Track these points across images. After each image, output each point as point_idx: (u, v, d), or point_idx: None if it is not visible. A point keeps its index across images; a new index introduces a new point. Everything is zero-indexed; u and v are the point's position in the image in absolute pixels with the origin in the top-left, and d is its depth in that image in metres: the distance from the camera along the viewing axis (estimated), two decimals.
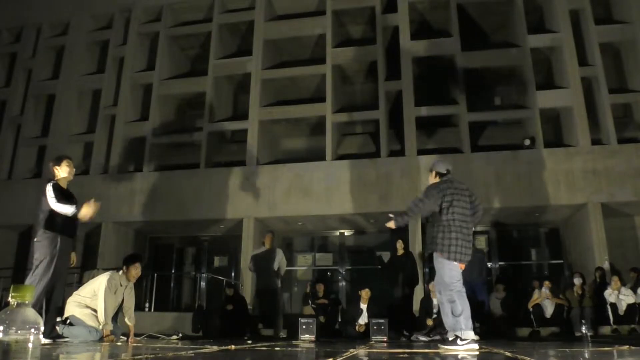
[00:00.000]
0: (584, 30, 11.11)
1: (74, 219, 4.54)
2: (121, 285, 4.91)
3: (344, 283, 12.64)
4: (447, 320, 3.95)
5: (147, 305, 11.03)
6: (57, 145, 12.08)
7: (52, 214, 4.38)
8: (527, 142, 10.45)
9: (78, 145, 12.69)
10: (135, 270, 4.98)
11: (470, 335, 3.75)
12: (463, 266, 4.07)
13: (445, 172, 4.35)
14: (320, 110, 11.49)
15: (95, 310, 4.72)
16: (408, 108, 10.93)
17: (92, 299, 4.76)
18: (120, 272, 4.97)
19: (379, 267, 8.68)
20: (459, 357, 2.89)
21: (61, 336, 4.54)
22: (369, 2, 11.96)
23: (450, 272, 4.01)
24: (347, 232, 12.68)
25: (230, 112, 13.03)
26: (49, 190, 4.41)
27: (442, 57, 11.65)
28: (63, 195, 4.47)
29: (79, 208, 4.33)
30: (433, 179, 4.36)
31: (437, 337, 6.39)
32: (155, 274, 11.83)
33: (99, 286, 4.74)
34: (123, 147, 12.02)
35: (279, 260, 7.82)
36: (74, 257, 4.76)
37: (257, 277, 7.90)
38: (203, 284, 12.73)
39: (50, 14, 13.70)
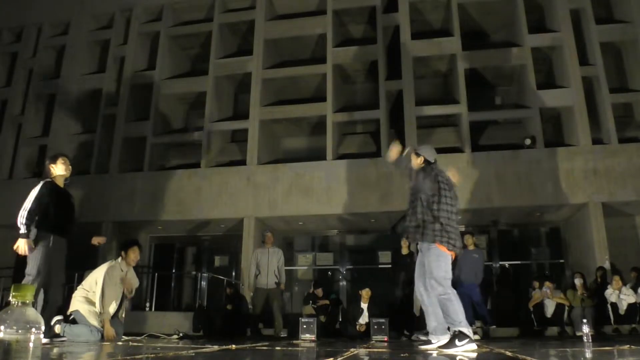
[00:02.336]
0: (584, 29, 11.11)
1: (68, 218, 4.54)
2: (122, 271, 4.95)
3: (344, 282, 12.65)
4: (435, 321, 3.70)
5: (147, 304, 11.04)
6: (57, 144, 12.09)
7: (45, 212, 4.34)
8: (528, 141, 10.44)
9: (78, 145, 12.70)
10: (134, 254, 5.04)
11: (470, 334, 3.59)
12: (454, 255, 3.88)
13: (433, 161, 4.13)
14: (320, 110, 11.49)
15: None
16: (409, 107, 10.93)
17: (96, 292, 4.79)
18: (120, 258, 5.02)
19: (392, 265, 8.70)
20: (459, 357, 2.89)
21: (59, 335, 4.55)
22: (370, 1, 11.96)
23: (446, 265, 3.77)
24: (347, 232, 12.68)
25: (230, 112, 13.04)
26: (36, 189, 4.40)
27: (442, 57, 11.66)
28: (53, 197, 4.43)
29: (29, 234, 4.22)
30: (418, 165, 4.09)
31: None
32: (156, 274, 11.83)
33: (99, 274, 4.77)
34: (123, 147, 12.02)
35: (279, 259, 7.85)
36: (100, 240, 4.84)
37: (257, 276, 7.91)
38: (204, 283, 12.72)
39: (51, 14, 13.71)
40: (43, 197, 4.36)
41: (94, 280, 4.83)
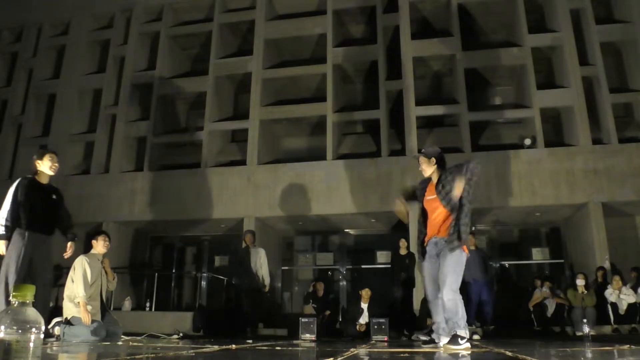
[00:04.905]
0: (584, 29, 11.10)
1: (49, 215, 4.46)
2: (98, 260, 4.97)
3: (344, 282, 12.65)
4: (444, 322, 3.70)
5: (147, 304, 11.03)
6: (57, 144, 12.08)
7: (17, 209, 4.28)
8: (528, 141, 10.44)
9: (78, 145, 12.70)
10: (104, 242, 5.10)
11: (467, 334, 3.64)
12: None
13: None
14: (320, 110, 11.49)
15: (91, 303, 4.77)
16: (409, 107, 10.92)
17: (75, 281, 4.81)
18: (91, 251, 5.05)
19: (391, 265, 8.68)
20: (461, 356, 2.89)
21: (53, 336, 4.56)
22: (370, 1, 11.95)
23: (462, 272, 3.73)
24: (347, 232, 12.67)
25: (230, 112, 13.04)
26: (13, 186, 4.36)
27: (442, 57, 11.66)
28: (30, 193, 4.36)
29: (5, 234, 4.21)
30: (432, 168, 3.96)
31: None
32: (156, 274, 11.82)
33: (75, 273, 4.78)
34: (123, 147, 12.02)
35: (257, 260, 7.85)
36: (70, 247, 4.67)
37: (238, 277, 7.95)
38: (204, 283, 12.73)
39: (51, 14, 13.71)
40: (17, 194, 4.31)
41: (70, 278, 4.82)
